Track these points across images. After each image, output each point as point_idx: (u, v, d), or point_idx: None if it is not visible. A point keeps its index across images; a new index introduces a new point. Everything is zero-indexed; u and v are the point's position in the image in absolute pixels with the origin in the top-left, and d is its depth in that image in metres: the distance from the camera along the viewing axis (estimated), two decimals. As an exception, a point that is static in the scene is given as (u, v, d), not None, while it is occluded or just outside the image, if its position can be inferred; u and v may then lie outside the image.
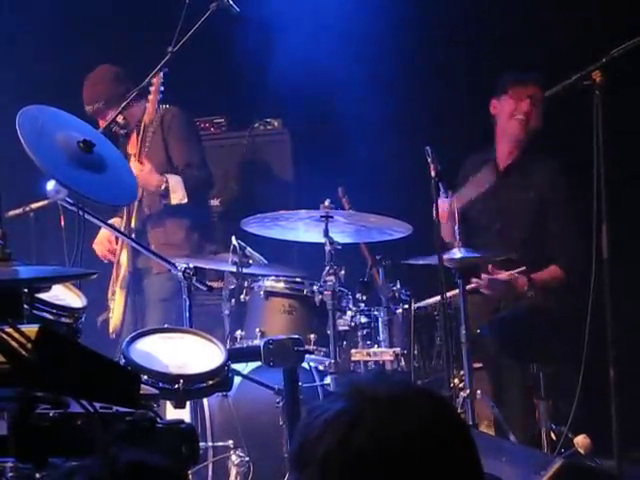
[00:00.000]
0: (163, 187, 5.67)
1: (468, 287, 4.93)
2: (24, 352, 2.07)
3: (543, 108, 5.34)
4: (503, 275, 5.11)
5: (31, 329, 2.12)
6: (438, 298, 4.76)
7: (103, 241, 5.80)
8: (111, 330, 5.67)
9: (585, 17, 5.81)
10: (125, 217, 5.73)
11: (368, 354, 4.85)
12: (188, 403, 3.97)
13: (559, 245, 5.23)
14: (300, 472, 1.44)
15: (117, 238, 5.74)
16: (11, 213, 5.44)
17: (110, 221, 5.25)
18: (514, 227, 5.34)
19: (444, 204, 4.88)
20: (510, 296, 5.15)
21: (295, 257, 5.98)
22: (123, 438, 2.02)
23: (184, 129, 5.92)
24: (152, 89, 5.48)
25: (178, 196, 5.71)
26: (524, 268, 5.06)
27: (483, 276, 5.10)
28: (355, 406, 1.43)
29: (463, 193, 5.18)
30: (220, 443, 4.44)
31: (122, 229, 5.53)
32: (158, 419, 2.31)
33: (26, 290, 2.64)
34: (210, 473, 4.42)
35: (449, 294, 4.73)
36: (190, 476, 4.28)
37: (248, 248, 4.91)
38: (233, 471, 4.39)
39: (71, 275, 2.87)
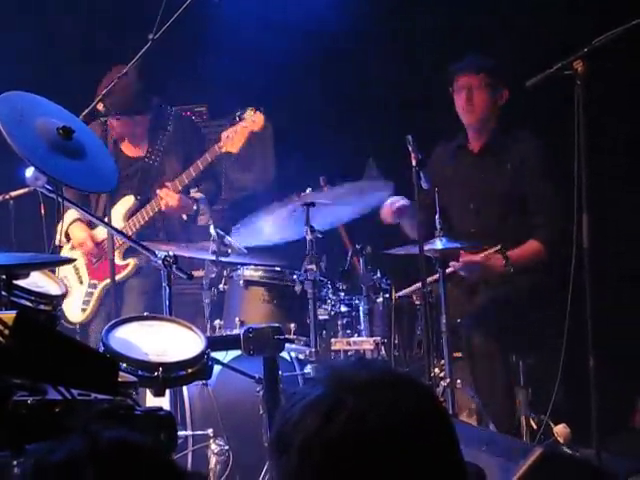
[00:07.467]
0: (194, 209, 5.69)
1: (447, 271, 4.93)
2: (1, 339, 2.06)
3: (491, 88, 5.32)
4: (478, 257, 5.08)
5: (8, 315, 2.11)
6: (418, 285, 4.75)
7: (86, 242, 5.53)
8: (76, 319, 5.60)
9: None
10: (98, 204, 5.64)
11: (348, 343, 4.85)
12: (167, 391, 3.96)
13: (538, 218, 5.21)
14: (279, 458, 1.43)
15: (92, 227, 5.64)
16: (-10, 201, 5.38)
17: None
18: (490, 204, 5.31)
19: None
20: (488, 276, 5.12)
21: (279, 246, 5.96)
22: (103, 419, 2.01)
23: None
24: (249, 122, 5.47)
25: (205, 219, 5.75)
26: (499, 247, 5.02)
27: (460, 259, 5.09)
28: (334, 392, 1.42)
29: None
30: (200, 432, 4.42)
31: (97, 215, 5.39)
32: (136, 406, 2.31)
33: (4, 277, 2.62)
34: (189, 462, 4.40)
35: (429, 279, 4.72)
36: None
37: (227, 237, 4.89)
38: (213, 460, 4.37)
39: (49, 262, 2.85)
